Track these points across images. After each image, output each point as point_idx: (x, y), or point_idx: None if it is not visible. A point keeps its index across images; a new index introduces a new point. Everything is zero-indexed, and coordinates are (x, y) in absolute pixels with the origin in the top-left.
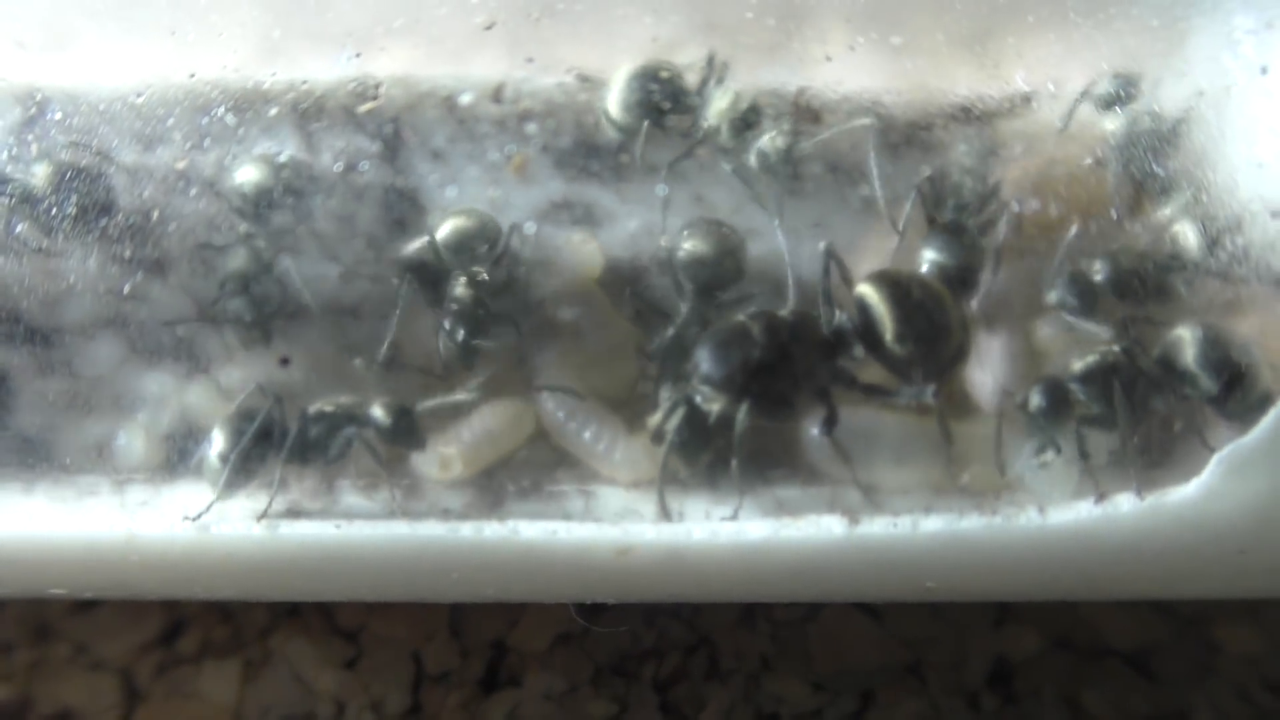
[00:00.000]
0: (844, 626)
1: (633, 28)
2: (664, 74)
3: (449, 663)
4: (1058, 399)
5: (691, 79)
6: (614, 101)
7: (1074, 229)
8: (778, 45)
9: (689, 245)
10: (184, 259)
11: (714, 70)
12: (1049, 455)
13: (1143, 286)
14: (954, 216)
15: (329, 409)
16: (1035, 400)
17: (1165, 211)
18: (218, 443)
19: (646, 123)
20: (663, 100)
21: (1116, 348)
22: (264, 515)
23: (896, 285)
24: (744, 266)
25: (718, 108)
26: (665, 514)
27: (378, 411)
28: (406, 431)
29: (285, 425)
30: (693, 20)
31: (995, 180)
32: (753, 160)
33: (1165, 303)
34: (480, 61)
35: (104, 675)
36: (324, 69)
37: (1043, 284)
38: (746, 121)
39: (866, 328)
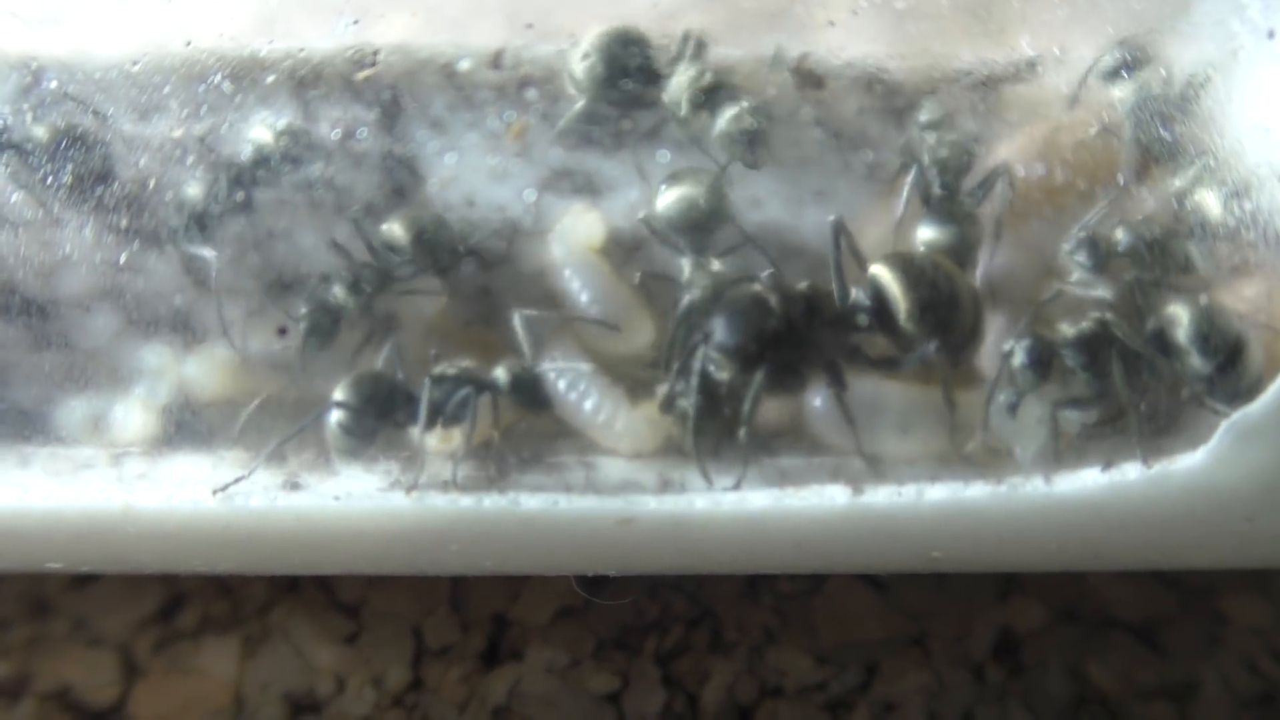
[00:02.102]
0: (848, 599)
1: None
2: (633, 42)
3: (450, 637)
4: (1041, 358)
5: (663, 50)
6: (578, 62)
7: (1105, 199)
8: (780, 10)
9: (670, 194)
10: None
11: (687, 45)
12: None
13: (1160, 255)
14: (944, 189)
15: (453, 372)
16: (1019, 356)
17: (1175, 182)
18: (339, 410)
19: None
20: (628, 67)
21: (1108, 316)
22: (413, 487)
23: (911, 267)
24: (726, 206)
25: (679, 82)
26: (706, 478)
27: (501, 373)
28: (531, 392)
29: (408, 391)
30: None
31: (974, 146)
32: (715, 137)
33: (1181, 271)
34: (479, 28)
35: (103, 651)
36: (322, 37)
37: (1057, 247)
38: (707, 98)
39: (881, 309)
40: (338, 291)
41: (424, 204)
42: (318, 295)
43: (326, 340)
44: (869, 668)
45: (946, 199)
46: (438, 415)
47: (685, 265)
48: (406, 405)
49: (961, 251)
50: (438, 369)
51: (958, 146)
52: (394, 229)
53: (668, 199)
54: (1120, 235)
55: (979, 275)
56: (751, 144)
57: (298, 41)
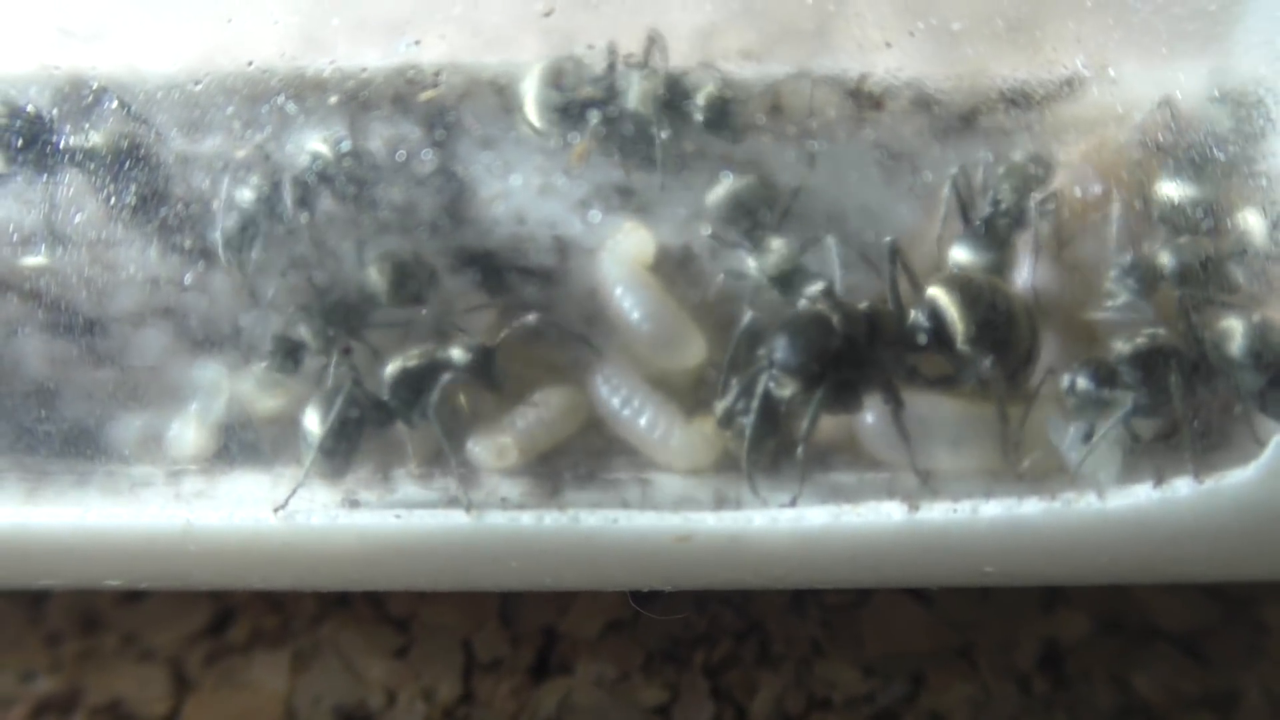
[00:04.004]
0: (894, 611)
1: (691, 15)
2: (570, 73)
3: (500, 650)
4: (1103, 381)
5: (601, 66)
6: (530, 106)
7: (1115, 216)
8: (835, 30)
9: (718, 190)
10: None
11: (652, 48)
12: (1091, 437)
13: (1204, 274)
14: (988, 214)
15: (413, 364)
16: (1081, 382)
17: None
18: (313, 425)
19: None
20: (578, 97)
21: (1163, 331)
22: (471, 506)
23: (968, 289)
24: (774, 190)
25: (636, 92)
26: (755, 493)
27: (458, 352)
28: (489, 368)
29: (374, 397)
30: (750, 6)
31: (1031, 174)
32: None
33: (1225, 290)
34: (538, 48)
35: (154, 665)
36: (381, 57)
37: (1102, 267)
38: (669, 97)
39: (939, 329)
40: (303, 329)
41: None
42: (286, 328)
43: (291, 369)
44: (916, 679)
45: (988, 222)
46: (415, 413)
47: (746, 256)
48: (376, 410)
49: (997, 274)
50: (394, 365)
51: (1025, 177)
52: (371, 272)
53: (716, 194)
54: (1166, 259)
55: (1029, 291)
56: (726, 118)
57: (358, 62)
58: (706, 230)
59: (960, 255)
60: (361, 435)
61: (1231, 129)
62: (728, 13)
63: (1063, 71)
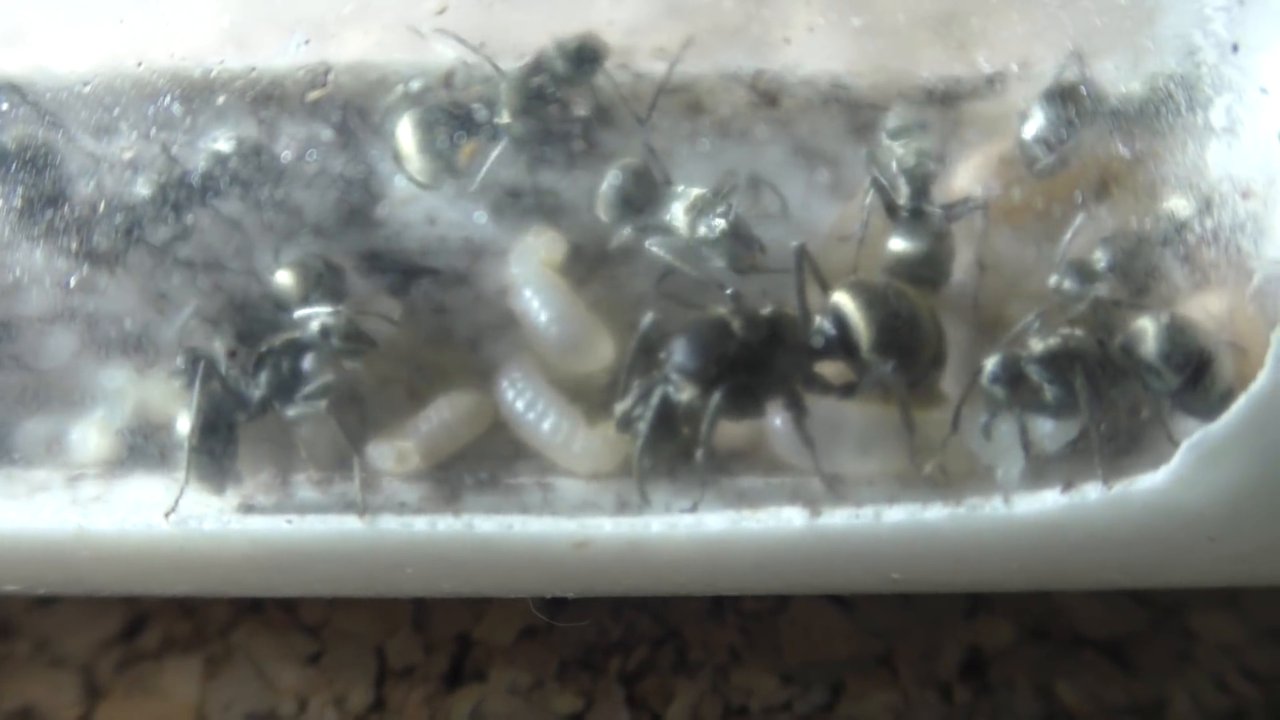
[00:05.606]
0: (814, 618)
1: (588, 11)
2: (444, 110)
3: (413, 657)
4: (1012, 374)
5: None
6: (411, 156)
7: (1079, 218)
8: (738, 28)
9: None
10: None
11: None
12: (997, 428)
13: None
14: (912, 199)
15: (267, 349)
16: (989, 372)
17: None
18: (183, 428)
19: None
20: (465, 100)
21: (1078, 333)
22: (365, 510)
23: (873, 295)
24: (656, 175)
25: (506, 103)
26: (645, 499)
27: (316, 324)
28: (354, 331)
29: (238, 392)
30: (651, 2)
31: (940, 155)
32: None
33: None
34: (440, 47)
35: (64, 672)
36: (275, 56)
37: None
38: (539, 94)
39: (843, 337)
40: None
41: (373, 225)
42: (185, 334)
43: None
44: (835, 687)
45: (916, 210)
46: (289, 396)
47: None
48: (244, 406)
49: (933, 265)
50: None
51: (924, 154)
52: (282, 276)
53: (600, 191)
54: (1099, 255)
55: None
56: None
57: (251, 61)
58: (654, 242)
59: (895, 246)
60: (234, 436)
61: (1139, 124)
62: (649, 11)
63: (969, 69)
